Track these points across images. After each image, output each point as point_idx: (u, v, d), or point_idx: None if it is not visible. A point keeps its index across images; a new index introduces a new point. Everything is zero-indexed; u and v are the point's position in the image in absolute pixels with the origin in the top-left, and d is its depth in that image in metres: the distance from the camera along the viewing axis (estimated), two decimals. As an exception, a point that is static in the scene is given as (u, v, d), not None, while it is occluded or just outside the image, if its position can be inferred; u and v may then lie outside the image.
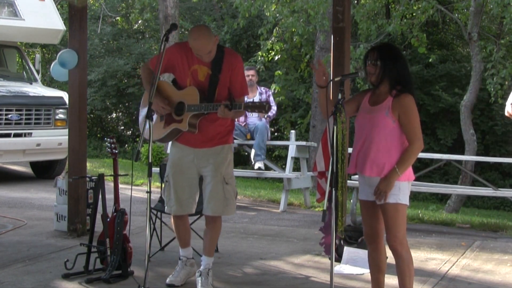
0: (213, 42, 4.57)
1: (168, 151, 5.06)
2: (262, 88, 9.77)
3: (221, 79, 4.64)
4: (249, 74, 9.43)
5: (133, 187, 11.06)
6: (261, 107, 4.46)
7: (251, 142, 9.50)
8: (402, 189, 4.08)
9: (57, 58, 6.69)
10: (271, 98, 9.68)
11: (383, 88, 4.15)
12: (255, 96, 9.46)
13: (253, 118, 9.48)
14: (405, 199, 4.11)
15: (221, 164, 4.73)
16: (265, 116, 9.44)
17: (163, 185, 5.01)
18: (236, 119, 9.15)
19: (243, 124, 9.47)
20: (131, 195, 5.23)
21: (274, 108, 9.60)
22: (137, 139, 19.57)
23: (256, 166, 9.33)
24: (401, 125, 4.07)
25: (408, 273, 4.12)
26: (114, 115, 22.58)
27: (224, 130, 4.77)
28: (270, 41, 15.81)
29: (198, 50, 4.55)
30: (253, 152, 9.41)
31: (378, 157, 4.06)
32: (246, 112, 9.46)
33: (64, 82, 7.09)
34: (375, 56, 4.12)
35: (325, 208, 4.08)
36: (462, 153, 13.93)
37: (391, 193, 4.04)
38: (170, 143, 4.94)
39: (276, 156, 17.92)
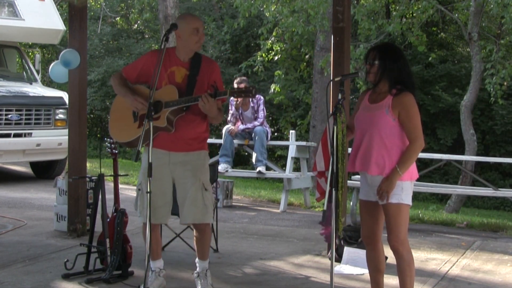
0: (201, 23, 4.61)
1: None
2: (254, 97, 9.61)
3: (199, 80, 4.60)
4: (240, 87, 9.32)
5: (132, 187, 11.09)
6: (248, 91, 4.39)
7: (251, 144, 9.52)
8: (405, 189, 4.07)
9: (59, 58, 6.66)
10: (261, 107, 9.53)
11: (382, 87, 4.15)
12: (248, 109, 9.45)
13: (251, 124, 9.44)
14: (407, 199, 4.10)
15: (200, 170, 4.63)
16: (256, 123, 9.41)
17: (135, 194, 4.82)
18: (232, 123, 9.27)
19: (241, 130, 9.44)
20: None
21: (261, 115, 9.44)
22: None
23: (257, 170, 9.34)
24: (402, 124, 4.06)
25: (409, 274, 4.11)
26: (114, 115, 22.53)
27: (201, 135, 4.68)
28: (270, 41, 15.80)
29: (197, 27, 4.53)
30: (254, 156, 9.41)
31: (379, 155, 4.06)
32: (244, 118, 9.47)
33: (64, 82, 7.07)
34: (374, 55, 4.15)
35: (325, 208, 4.08)
36: (462, 153, 13.92)
37: (393, 193, 4.03)
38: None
39: (277, 156, 17.92)
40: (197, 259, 4.78)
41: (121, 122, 4.75)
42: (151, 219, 4.39)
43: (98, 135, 21.16)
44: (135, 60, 4.93)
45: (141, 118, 4.60)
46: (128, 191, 9.73)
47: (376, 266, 4.28)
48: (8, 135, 10.30)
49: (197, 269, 4.77)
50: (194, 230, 4.77)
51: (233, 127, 9.40)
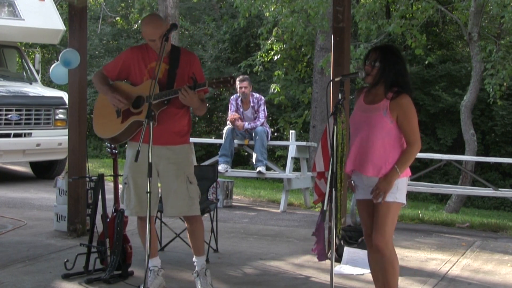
0: (159, 32, 4.54)
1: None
2: (255, 97, 9.55)
3: (179, 73, 4.66)
4: (242, 86, 9.32)
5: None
6: (226, 82, 4.45)
7: (251, 144, 9.52)
8: (400, 188, 4.08)
9: (59, 59, 6.67)
10: (262, 107, 9.52)
11: (379, 88, 4.14)
12: (248, 108, 9.44)
13: (253, 124, 9.43)
14: (402, 198, 4.10)
15: (184, 163, 4.71)
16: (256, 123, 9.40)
17: (121, 188, 4.85)
18: (232, 123, 9.26)
19: (243, 129, 9.43)
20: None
21: (262, 116, 9.43)
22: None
23: (257, 170, 9.33)
24: (400, 126, 4.06)
25: (392, 272, 4.11)
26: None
27: (183, 129, 4.74)
28: (269, 41, 15.80)
29: (152, 39, 4.57)
30: (254, 156, 9.39)
31: (376, 157, 4.06)
32: (245, 117, 9.46)
33: (65, 83, 7.08)
34: (375, 57, 4.13)
35: (325, 208, 4.08)
36: (462, 153, 13.93)
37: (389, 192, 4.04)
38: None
39: (276, 156, 17.92)
40: (194, 257, 4.79)
41: (104, 118, 4.82)
42: (139, 211, 4.56)
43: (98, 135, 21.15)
44: (115, 58, 4.99)
45: (124, 114, 4.69)
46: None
47: (381, 266, 4.25)
48: (8, 135, 10.30)
49: (196, 268, 4.78)
50: (186, 223, 4.82)
51: (238, 123, 9.35)
